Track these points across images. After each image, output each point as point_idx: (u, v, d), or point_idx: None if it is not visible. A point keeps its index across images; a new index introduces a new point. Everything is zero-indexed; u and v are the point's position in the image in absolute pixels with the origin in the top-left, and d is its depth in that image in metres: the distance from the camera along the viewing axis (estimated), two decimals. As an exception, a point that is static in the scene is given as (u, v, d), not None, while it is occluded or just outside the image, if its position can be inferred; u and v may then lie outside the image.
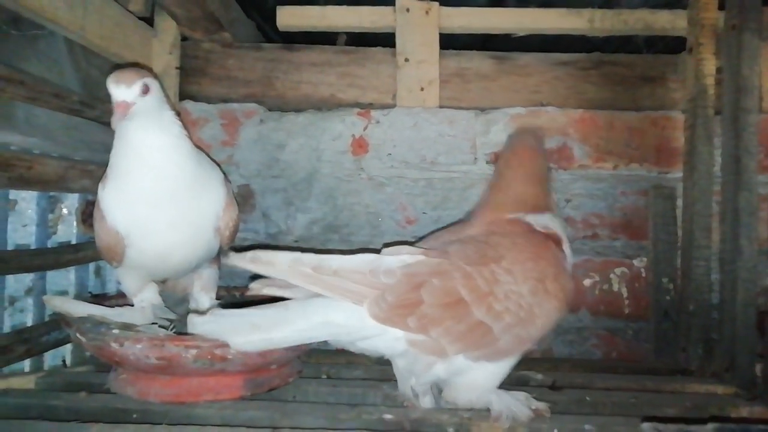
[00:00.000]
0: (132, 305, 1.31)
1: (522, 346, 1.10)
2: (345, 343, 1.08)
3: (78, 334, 1.14)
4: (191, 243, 1.24)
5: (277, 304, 1.05)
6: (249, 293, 1.57)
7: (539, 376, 1.38)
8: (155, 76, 1.20)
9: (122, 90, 1.09)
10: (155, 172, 1.16)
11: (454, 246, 1.09)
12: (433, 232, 1.32)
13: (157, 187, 1.16)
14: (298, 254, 1.00)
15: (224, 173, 1.34)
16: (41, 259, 1.36)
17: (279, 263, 0.99)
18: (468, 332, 1.02)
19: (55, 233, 1.48)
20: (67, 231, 1.50)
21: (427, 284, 1.00)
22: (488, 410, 1.11)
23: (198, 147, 1.29)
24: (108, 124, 1.52)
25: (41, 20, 1.26)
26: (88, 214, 1.55)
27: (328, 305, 1.01)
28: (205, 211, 1.24)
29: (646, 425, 0.86)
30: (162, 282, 1.34)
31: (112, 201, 1.18)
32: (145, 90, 1.11)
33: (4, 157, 1.20)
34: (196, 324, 1.03)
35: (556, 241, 1.17)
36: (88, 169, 1.47)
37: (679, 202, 1.66)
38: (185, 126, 1.24)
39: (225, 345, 1.08)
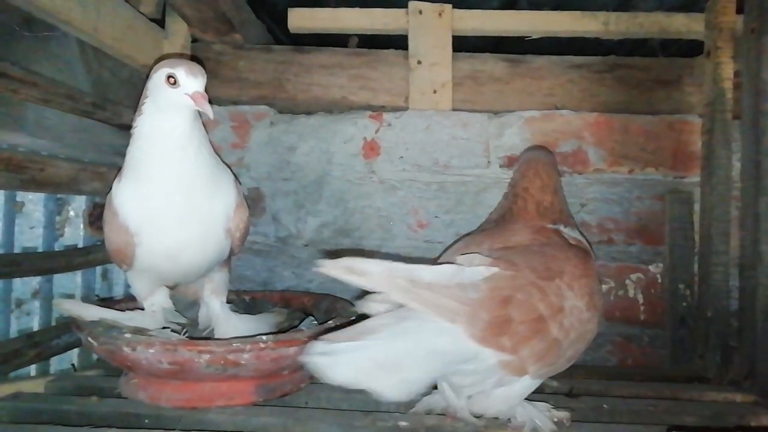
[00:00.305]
0: (142, 309, 1.30)
1: (572, 362, 1.06)
2: (439, 375, 0.98)
3: (89, 338, 1.12)
4: (202, 242, 1.22)
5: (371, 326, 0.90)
6: (258, 296, 1.59)
7: (555, 383, 1.36)
8: None
9: (199, 80, 1.10)
10: (176, 169, 1.15)
11: (516, 256, 1.02)
12: (465, 236, 1.29)
13: (175, 183, 1.15)
14: (389, 263, 0.89)
15: (235, 175, 1.33)
16: (51, 261, 1.35)
17: (374, 274, 0.87)
18: (547, 351, 0.97)
19: (62, 236, 1.47)
20: (74, 233, 1.49)
21: (513, 300, 0.93)
22: (507, 419, 1.09)
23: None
24: (119, 126, 1.54)
25: (55, 21, 1.25)
26: (95, 216, 1.54)
27: (421, 328, 0.88)
28: (217, 211, 1.23)
29: (671, 435, 0.83)
30: (172, 287, 1.33)
31: (127, 195, 1.17)
32: None
33: (16, 159, 1.19)
34: (326, 367, 0.86)
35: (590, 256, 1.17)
36: (99, 171, 1.46)
37: (696, 207, 1.64)
38: (204, 125, 1.23)
39: (238, 350, 1.07)
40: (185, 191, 1.16)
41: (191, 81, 1.09)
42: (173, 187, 1.15)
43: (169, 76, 1.10)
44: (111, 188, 1.22)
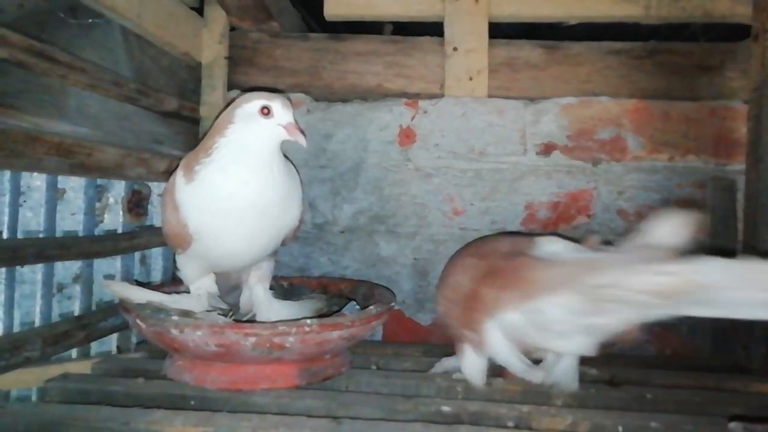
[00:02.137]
0: (185, 292, 1.32)
1: None
2: None
3: (138, 320, 1.15)
4: (261, 248, 1.26)
5: None
6: (296, 282, 1.60)
7: (594, 371, 1.35)
8: None
9: (290, 113, 1.17)
10: (255, 196, 1.17)
11: None
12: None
13: (250, 206, 1.18)
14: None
15: (298, 173, 1.35)
16: (97, 245, 1.38)
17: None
18: None
19: (101, 222, 1.49)
20: (114, 220, 1.52)
21: None
22: (546, 405, 1.14)
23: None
24: (161, 113, 1.55)
25: (99, 8, 1.27)
26: (134, 203, 1.56)
27: None
28: (284, 224, 1.27)
29: (734, 425, 0.82)
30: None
31: (194, 201, 1.19)
32: None
33: (66, 144, 1.22)
34: None
35: None
36: (143, 158, 1.48)
37: (740, 196, 1.61)
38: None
39: (283, 333, 1.08)
40: (257, 213, 1.19)
41: (286, 113, 1.16)
42: (245, 210, 1.18)
43: (264, 107, 1.15)
44: (175, 177, 1.23)
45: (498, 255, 1.16)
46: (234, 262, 1.27)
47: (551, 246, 1.12)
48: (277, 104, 1.16)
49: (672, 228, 1.00)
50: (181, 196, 1.19)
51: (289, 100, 1.20)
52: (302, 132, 1.18)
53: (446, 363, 1.31)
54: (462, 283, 1.18)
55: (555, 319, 1.02)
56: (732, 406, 1.17)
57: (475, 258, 1.21)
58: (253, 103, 1.16)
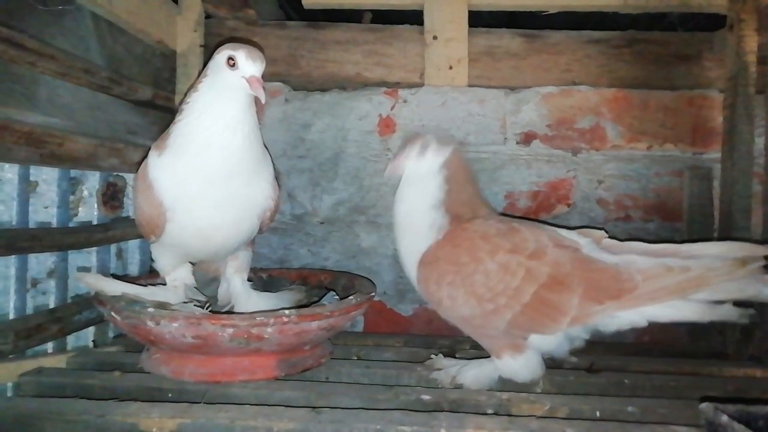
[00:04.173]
0: (161, 284, 1.30)
1: None
2: None
3: (113, 313, 1.13)
4: (235, 226, 1.23)
5: None
6: (275, 273, 1.59)
7: (573, 359, 1.36)
8: None
9: (258, 65, 1.10)
10: (225, 151, 1.14)
11: None
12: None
13: (217, 165, 1.14)
14: None
15: (269, 151, 1.32)
16: (71, 237, 1.35)
17: None
18: None
19: (76, 215, 1.46)
20: (88, 213, 1.48)
21: None
22: (525, 392, 1.14)
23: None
24: (134, 103, 1.52)
25: (70, -7, 1.23)
26: (108, 195, 1.53)
27: None
28: (255, 198, 1.23)
29: (705, 405, 0.83)
30: (195, 263, 1.33)
31: (166, 170, 1.16)
32: None
33: (36, 134, 1.19)
34: None
35: None
36: (116, 148, 1.45)
37: (716, 184, 1.62)
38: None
39: (261, 324, 1.07)
40: (226, 175, 1.15)
41: (249, 65, 1.10)
42: (215, 169, 1.14)
43: (230, 58, 1.10)
44: (146, 158, 1.20)
45: (557, 256, 1.11)
46: (209, 245, 1.23)
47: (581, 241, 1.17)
48: (241, 54, 1.10)
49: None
50: (155, 172, 1.17)
51: (261, 51, 1.15)
52: (264, 88, 1.12)
53: (444, 362, 1.27)
54: (511, 284, 1.10)
55: (624, 323, 1.13)
56: (708, 390, 1.19)
57: (521, 256, 1.11)
58: (221, 54, 1.12)
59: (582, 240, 1.18)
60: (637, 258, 1.13)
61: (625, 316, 1.12)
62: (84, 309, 1.37)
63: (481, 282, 1.11)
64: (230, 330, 1.06)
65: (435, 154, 1.22)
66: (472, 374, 1.18)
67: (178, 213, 1.16)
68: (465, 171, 1.25)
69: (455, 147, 1.24)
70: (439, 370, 1.24)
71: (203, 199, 1.16)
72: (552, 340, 1.16)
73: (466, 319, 1.15)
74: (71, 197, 1.45)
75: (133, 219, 1.53)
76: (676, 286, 1.07)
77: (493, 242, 1.13)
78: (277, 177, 1.32)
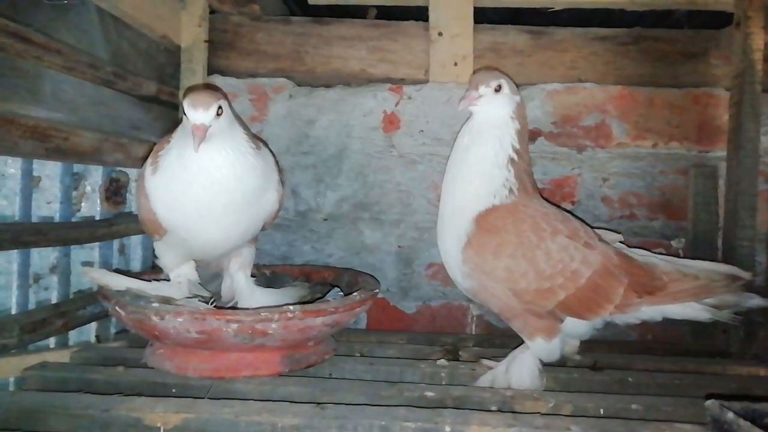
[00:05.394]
0: (164, 280, 1.30)
1: None
2: None
3: (117, 308, 1.13)
4: (238, 238, 1.24)
5: None
6: (278, 270, 1.59)
7: (577, 357, 1.36)
8: (225, 96, 1.20)
9: (200, 113, 1.09)
10: (215, 188, 1.14)
11: None
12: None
13: (213, 200, 1.15)
14: None
15: (274, 155, 1.32)
16: (76, 232, 1.35)
17: None
18: None
19: (78, 210, 1.46)
20: (91, 208, 1.48)
21: None
22: (530, 390, 1.16)
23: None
24: (139, 98, 1.52)
25: (75, -12, 1.23)
26: (111, 191, 1.53)
27: None
28: (259, 214, 1.25)
29: (711, 402, 0.83)
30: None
31: (159, 192, 1.17)
32: (219, 112, 1.10)
33: (41, 128, 1.18)
34: None
35: None
36: (121, 143, 1.45)
37: (721, 182, 1.62)
38: (253, 138, 1.22)
39: (266, 319, 1.07)
40: (224, 206, 1.16)
41: (191, 113, 1.09)
42: (206, 204, 1.15)
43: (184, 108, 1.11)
44: (144, 165, 1.21)
45: (604, 248, 1.19)
46: (211, 252, 1.25)
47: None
48: (186, 104, 1.10)
49: None
50: (149, 186, 1.18)
51: (214, 92, 1.14)
52: (201, 139, 1.08)
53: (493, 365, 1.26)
54: (570, 266, 1.15)
55: (645, 316, 1.23)
56: (711, 388, 1.18)
57: (578, 243, 1.17)
58: (184, 100, 1.12)
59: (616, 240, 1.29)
60: (658, 261, 1.23)
61: (647, 311, 1.21)
62: (88, 304, 1.37)
63: (543, 259, 1.15)
64: (235, 325, 1.06)
65: (508, 98, 1.22)
66: (517, 374, 1.19)
67: (176, 229, 1.18)
68: (527, 130, 1.28)
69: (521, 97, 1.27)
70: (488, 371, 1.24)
71: (203, 227, 1.17)
72: (584, 326, 1.22)
73: (516, 293, 1.15)
74: (74, 193, 1.45)
75: (136, 215, 1.54)
76: (694, 290, 1.19)
77: (553, 225, 1.18)
78: (281, 174, 1.32)
